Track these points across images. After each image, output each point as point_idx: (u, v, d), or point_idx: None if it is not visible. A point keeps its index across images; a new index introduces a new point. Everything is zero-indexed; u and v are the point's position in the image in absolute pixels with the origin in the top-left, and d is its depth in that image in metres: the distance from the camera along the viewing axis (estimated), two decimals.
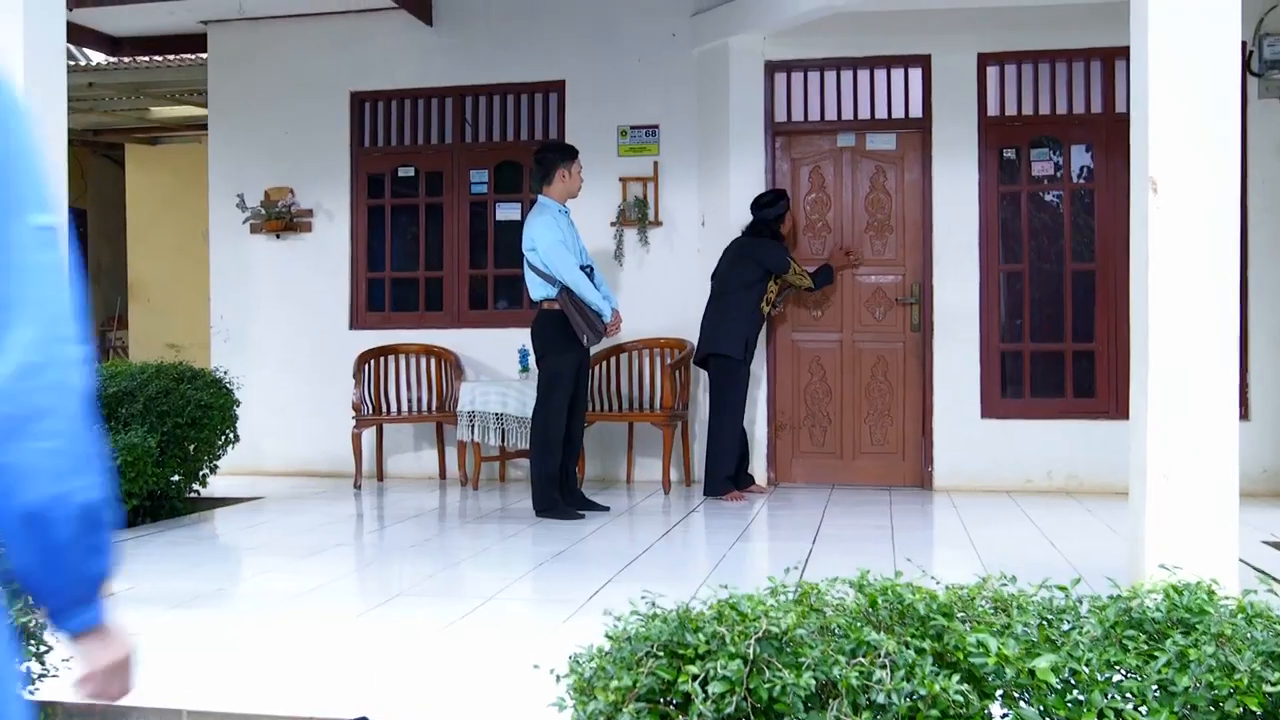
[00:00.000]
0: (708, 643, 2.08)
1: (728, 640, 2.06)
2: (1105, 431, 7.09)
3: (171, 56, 9.07)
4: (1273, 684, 1.90)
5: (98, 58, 9.30)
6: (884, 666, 2.03)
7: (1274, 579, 4.65)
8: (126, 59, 9.09)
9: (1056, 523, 6.02)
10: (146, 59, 9.14)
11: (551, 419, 6.24)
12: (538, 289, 6.23)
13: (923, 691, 1.97)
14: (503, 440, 7.30)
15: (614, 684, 2.04)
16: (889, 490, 7.27)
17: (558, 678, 2.24)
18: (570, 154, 6.39)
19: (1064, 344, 7.37)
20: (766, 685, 2.00)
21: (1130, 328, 3.84)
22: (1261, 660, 1.94)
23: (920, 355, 7.44)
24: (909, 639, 2.11)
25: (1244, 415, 6.95)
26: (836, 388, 7.56)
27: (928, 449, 7.38)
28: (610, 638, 2.19)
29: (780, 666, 2.03)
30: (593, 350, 6.60)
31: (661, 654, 2.10)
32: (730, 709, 1.99)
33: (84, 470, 1.20)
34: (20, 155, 1.20)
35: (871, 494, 7.14)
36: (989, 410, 7.34)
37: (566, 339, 6.17)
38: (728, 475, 6.95)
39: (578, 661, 2.26)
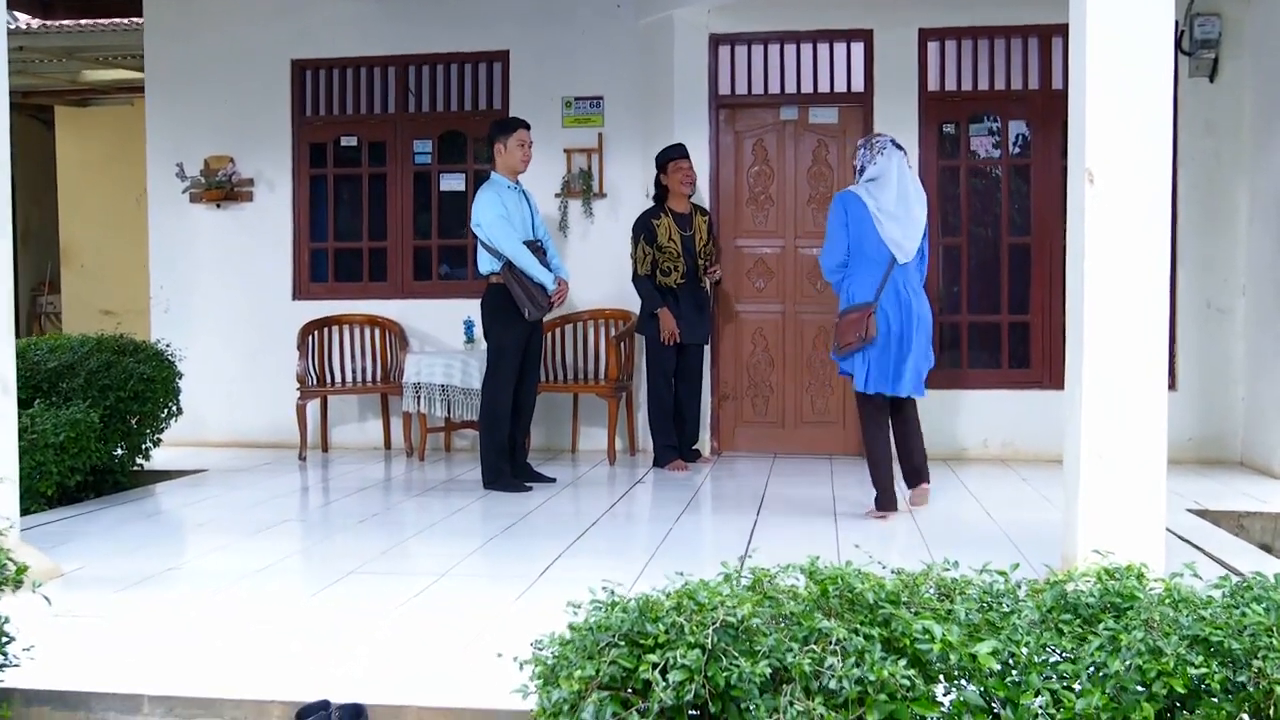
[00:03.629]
0: (667, 632, 2.17)
1: (686, 630, 2.15)
2: (1040, 401, 7.28)
3: (104, 20, 8.89)
4: (1196, 666, 2.03)
5: (28, 20, 9.09)
6: (835, 653, 2.13)
7: (1192, 544, 4.86)
8: (57, 22, 8.89)
9: (993, 493, 6.20)
10: (77, 23, 8.95)
11: (499, 392, 6.30)
12: (484, 263, 6.29)
13: (872, 676, 2.08)
14: (448, 411, 7.34)
15: (578, 673, 2.12)
16: (830, 459, 7.41)
17: (520, 665, 2.32)
18: (503, 129, 6.41)
19: (1000, 315, 7.55)
20: (724, 673, 2.09)
21: (1066, 311, 3.98)
22: (1186, 644, 2.07)
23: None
24: (859, 626, 2.21)
25: (1171, 385, 7.14)
26: (779, 358, 7.68)
27: None
28: (573, 628, 2.27)
29: (736, 654, 2.12)
30: (545, 321, 6.68)
31: (622, 643, 2.18)
32: (689, 695, 2.08)
33: None
34: None
35: (813, 463, 7.28)
36: (927, 380, 7.46)
37: (510, 313, 6.22)
38: (668, 444, 7.05)
39: (539, 648, 2.34)
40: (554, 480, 6.55)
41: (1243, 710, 2.02)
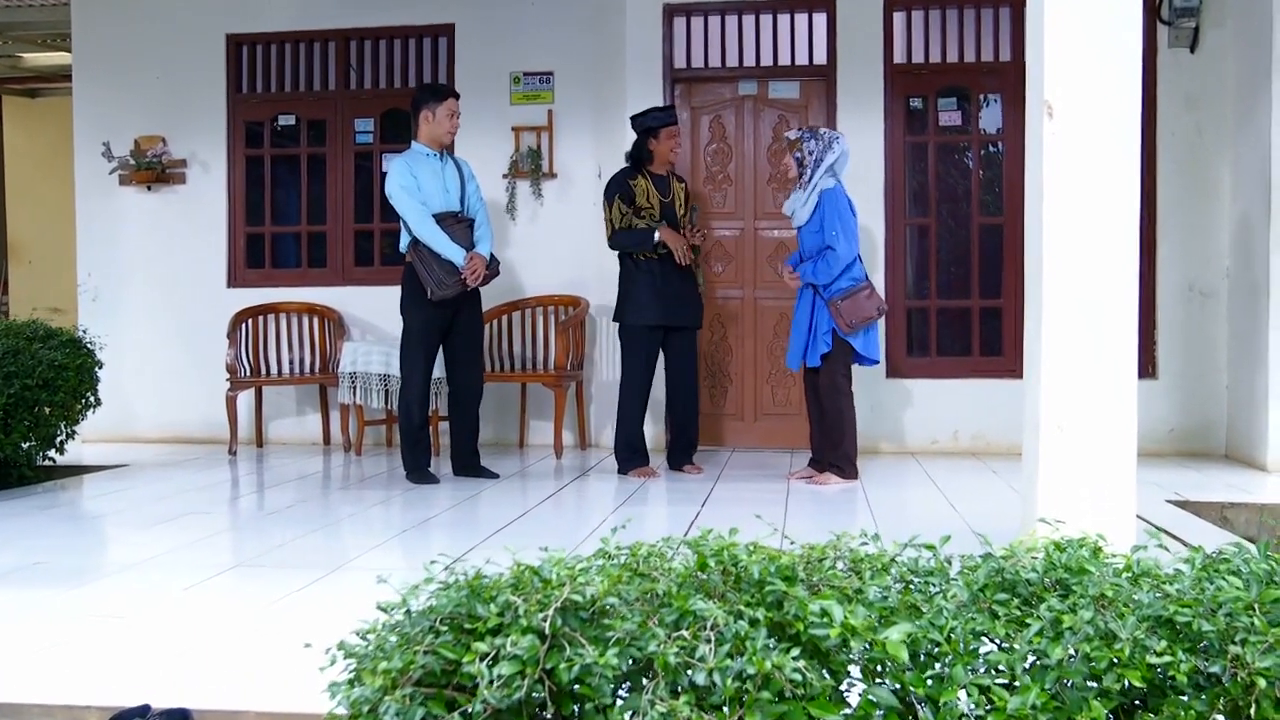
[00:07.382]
0: (500, 615, 1.74)
1: (521, 612, 1.71)
2: (1012, 391, 6.77)
3: None
4: (1158, 654, 1.60)
5: None
6: (709, 641, 1.70)
7: (1170, 534, 4.43)
8: None
9: (959, 484, 5.79)
10: None
11: (409, 380, 5.87)
12: (401, 239, 5.89)
13: (751, 670, 1.65)
14: (387, 403, 6.90)
15: (382, 666, 1.69)
16: (790, 453, 6.98)
17: (332, 659, 1.89)
18: (435, 95, 5.91)
19: (971, 300, 7.14)
20: (566, 665, 1.66)
21: (1025, 271, 3.57)
22: (1146, 627, 1.64)
23: None
24: (743, 609, 1.79)
25: (1151, 374, 6.78)
26: (737, 346, 7.26)
27: None
28: (383, 609, 1.84)
29: (584, 642, 1.69)
30: (484, 305, 6.23)
31: (446, 629, 1.75)
32: (521, 694, 1.65)
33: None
34: None
35: (772, 457, 6.86)
36: (894, 369, 7.09)
37: (420, 293, 5.77)
38: (635, 449, 6.17)
39: (363, 637, 1.91)
40: (496, 476, 6.07)
41: (1216, 708, 1.59)
